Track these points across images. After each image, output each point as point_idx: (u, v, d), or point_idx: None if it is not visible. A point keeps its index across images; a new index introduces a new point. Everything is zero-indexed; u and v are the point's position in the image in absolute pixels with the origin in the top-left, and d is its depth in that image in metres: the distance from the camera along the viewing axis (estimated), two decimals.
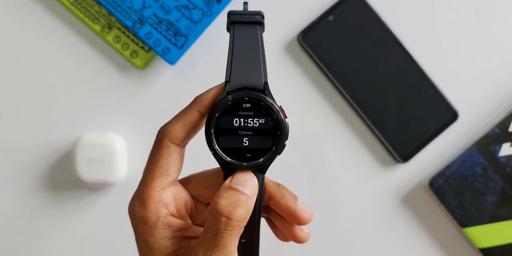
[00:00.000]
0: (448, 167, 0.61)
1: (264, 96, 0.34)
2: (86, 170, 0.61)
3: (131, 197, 0.38)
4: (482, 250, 0.61)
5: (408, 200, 0.64)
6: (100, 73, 0.63)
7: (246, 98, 0.34)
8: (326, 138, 0.64)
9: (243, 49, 0.35)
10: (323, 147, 0.64)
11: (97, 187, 0.63)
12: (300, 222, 0.37)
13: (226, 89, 0.35)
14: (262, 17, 0.36)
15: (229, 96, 0.34)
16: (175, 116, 0.36)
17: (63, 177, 0.63)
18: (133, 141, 0.63)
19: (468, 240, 0.62)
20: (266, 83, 0.35)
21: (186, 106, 0.36)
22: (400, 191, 0.64)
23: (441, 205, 0.62)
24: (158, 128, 0.56)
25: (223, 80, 0.36)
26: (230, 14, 0.36)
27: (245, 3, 0.38)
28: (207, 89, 0.36)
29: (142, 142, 0.63)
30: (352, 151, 0.63)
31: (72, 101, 0.63)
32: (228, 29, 0.36)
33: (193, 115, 0.35)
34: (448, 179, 0.61)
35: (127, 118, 0.63)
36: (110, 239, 0.64)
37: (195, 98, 0.36)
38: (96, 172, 0.61)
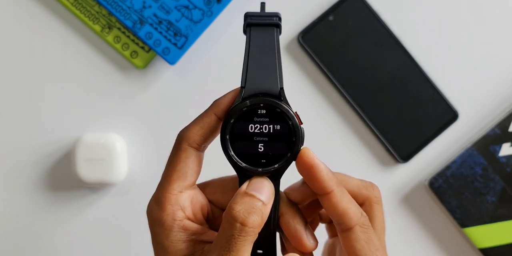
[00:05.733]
0: (448, 167, 0.61)
1: (279, 103, 0.34)
2: (86, 170, 0.61)
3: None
4: (482, 250, 0.61)
5: (408, 200, 0.64)
6: (100, 73, 0.63)
7: (261, 105, 0.34)
8: (326, 138, 0.64)
9: (260, 53, 0.35)
10: (323, 147, 0.64)
11: (97, 187, 0.63)
12: (303, 248, 0.36)
13: (241, 95, 0.35)
14: (280, 19, 0.36)
15: (245, 102, 0.34)
16: (193, 120, 0.36)
17: (63, 177, 0.63)
18: (133, 141, 0.63)
19: (468, 240, 0.62)
20: (281, 89, 0.35)
21: (204, 110, 0.36)
22: (400, 191, 0.64)
23: (441, 205, 0.62)
24: (158, 128, 0.56)
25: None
26: (247, 16, 0.36)
27: (263, 3, 0.37)
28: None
29: (142, 142, 0.63)
30: (352, 151, 0.63)
31: (72, 101, 0.63)
32: (245, 32, 0.36)
33: (211, 118, 0.35)
34: (448, 179, 0.61)
35: (127, 118, 0.63)
36: (110, 239, 0.64)
37: (213, 102, 0.36)
38: (96, 172, 0.61)
